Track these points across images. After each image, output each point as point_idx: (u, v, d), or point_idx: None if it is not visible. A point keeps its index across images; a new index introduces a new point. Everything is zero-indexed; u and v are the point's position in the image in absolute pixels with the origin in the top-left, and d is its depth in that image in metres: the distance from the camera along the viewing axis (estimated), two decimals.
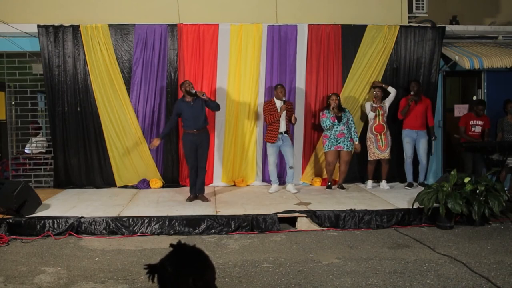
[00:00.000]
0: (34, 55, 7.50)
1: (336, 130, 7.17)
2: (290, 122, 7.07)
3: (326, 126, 7.16)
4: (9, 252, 4.97)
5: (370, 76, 7.67)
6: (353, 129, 7.27)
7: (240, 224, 5.67)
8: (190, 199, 6.55)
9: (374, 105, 7.23)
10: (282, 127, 7.00)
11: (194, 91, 6.40)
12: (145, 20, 7.45)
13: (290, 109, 7.05)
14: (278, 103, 6.99)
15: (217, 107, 6.66)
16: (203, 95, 6.38)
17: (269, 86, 7.61)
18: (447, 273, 4.25)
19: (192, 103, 6.43)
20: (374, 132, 7.27)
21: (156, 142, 6.62)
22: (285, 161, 7.23)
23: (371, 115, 7.29)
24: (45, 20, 7.33)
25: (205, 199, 6.55)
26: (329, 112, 7.16)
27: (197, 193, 6.59)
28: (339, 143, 7.18)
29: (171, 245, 1.69)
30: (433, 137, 7.62)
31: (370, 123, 7.32)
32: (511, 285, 3.98)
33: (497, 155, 7.09)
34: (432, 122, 7.50)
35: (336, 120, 7.14)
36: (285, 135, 7.04)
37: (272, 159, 7.13)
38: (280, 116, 6.92)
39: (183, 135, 6.66)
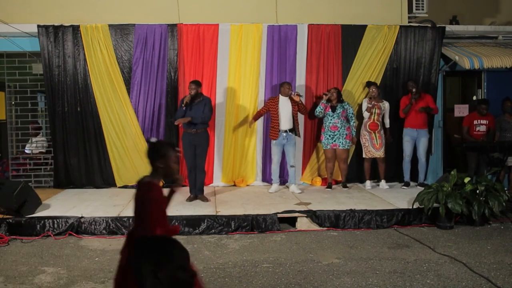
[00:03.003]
0: (34, 55, 7.50)
1: (330, 122, 7.19)
2: (298, 113, 7.08)
3: (316, 112, 7.21)
4: (9, 252, 4.97)
5: (370, 76, 7.66)
6: (352, 122, 7.30)
7: (240, 224, 5.67)
8: (190, 199, 6.55)
9: (369, 105, 7.23)
10: (285, 125, 6.99)
11: (189, 96, 6.37)
12: (145, 20, 7.45)
13: (294, 104, 7.01)
14: (282, 100, 6.99)
15: (204, 119, 6.47)
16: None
17: (269, 86, 7.61)
18: (447, 273, 4.25)
19: (189, 107, 6.42)
20: (368, 130, 7.28)
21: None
22: (286, 160, 7.24)
23: (366, 114, 7.30)
24: (45, 20, 7.32)
25: (205, 199, 6.55)
26: (324, 101, 7.21)
27: (196, 194, 6.60)
28: (334, 140, 7.20)
29: (135, 240, 1.68)
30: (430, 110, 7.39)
31: (365, 120, 7.34)
32: (511, 285, 3.98)
33: (498, 154, 7.08)
34: (433, 106, 7.38)
35: (330, 110, 7.16)
36: (290, 133, 7.03)
37: (276, 158, 7.14)
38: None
39: (182, 134, 6.67)
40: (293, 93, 6.99)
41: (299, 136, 7.23)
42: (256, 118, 7.22)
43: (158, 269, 1.61)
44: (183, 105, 6.39)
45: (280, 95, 7.07)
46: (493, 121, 7.59)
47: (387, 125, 7.39)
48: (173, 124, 7.46)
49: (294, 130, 7.06)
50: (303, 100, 7.24)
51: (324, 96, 7.21)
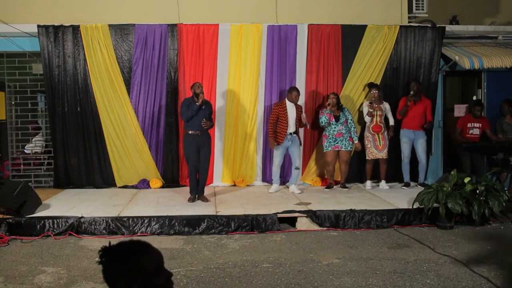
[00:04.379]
0: (34, 55, 7.50)
1: (334, 130, 7.18)
2: (300, 123, 7.08)
3: (322, 122, 7.17)
4: (9, 252, 4.97)
5: (370, 76, 7.66)
6: (352, 128, 7.28)
7: (240, 224, 5.67)
8: (191, 200, 6.52)
9: (370, 110, 7.22)
10: (292, 128, 7.01)
11: (198, 102, 6.34)
12: (145, 20, 7.45)
13: (299, 110, 7.05)
14: (289, 105, 6.99)
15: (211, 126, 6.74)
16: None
17: (269, 86, 7.61)
18: (447, 273, 4.25)
19: (203, 106, 6.42)
20: (372, 132, 7.27)
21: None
22: (291, 162, 7.23)
23: (367, 119, 7.28)
24: (45, 20, 7.32)
25: (205, 199, 6.55)
26: (327, 110, 7.17)
27: (198, 194, 6.58)
28: (337, 142, 7.20)
29: (100, 249, 1.67)
30: (425, 125, 7.39)
31: (368, 123, 7.33)
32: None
33: (501, 155, 7.06)
34: (430, 118, 7.41)
35: (333, 120, 7.15)
36: (294, 135, 7.04)
37: (277, 160, 7.12)
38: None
39: (184, 136, 6.62)
40: (303, 116, 7.08)
41: (301, 142, 7.21)
42: (272, 130, 7.02)
43: (131, 280, 1.61)
44: (197, 103, 6.33)
45: (286, 99, 7.05)
46: (487, 124, 7.57)
47: (392, 122, 7.39)
48: (173, 124, 7.49)
49: (296, 131, 7.08)
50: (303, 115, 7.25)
51: (328, 106, 7.17)
